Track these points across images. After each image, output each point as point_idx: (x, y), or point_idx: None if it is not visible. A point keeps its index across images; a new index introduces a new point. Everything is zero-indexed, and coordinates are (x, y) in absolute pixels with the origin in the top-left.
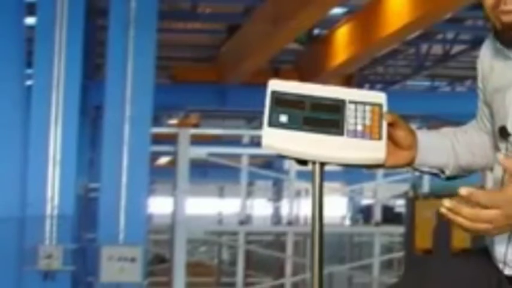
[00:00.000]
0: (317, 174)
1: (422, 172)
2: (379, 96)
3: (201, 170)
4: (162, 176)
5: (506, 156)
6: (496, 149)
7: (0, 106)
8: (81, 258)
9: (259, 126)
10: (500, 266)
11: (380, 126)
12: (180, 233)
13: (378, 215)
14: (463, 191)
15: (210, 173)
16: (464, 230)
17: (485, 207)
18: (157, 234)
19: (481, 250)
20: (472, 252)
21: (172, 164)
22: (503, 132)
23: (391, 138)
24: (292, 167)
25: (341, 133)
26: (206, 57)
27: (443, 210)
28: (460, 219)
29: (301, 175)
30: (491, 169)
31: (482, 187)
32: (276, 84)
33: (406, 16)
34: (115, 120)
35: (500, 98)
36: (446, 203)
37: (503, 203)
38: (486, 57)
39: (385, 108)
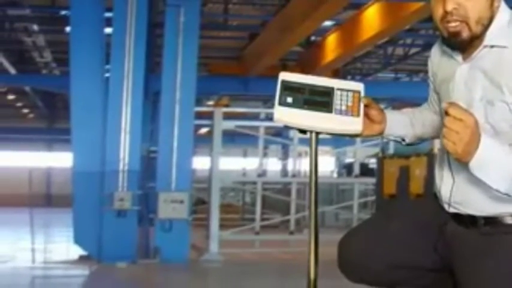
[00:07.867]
0: (313, 140)
1: (389, 140)
2: (358, 85)
3: (230, 138)
4: (202, 142)
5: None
6: (443, 124)
7: (87, 92)
8: (145, 201)
9: (272, 106)
10: (446, 206)
11: (359, 107)
12: (215, 182)
13: (357, 169)
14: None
15: (236, 140)
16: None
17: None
18: (199, 183)
19: (431, 195)
20: (424, 197)
21: (210, 133)
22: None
23: (366, 116)
24: (296, 135)
25: (330, 111)
26: (234, 57)
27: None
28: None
29: (302, 141)
30: (439, 137)
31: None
32: (284, 76)
33: (377, 27)
34: (169, 102)
35: (446, 87)
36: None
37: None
38: (435, 56)
39: (362, 94)
